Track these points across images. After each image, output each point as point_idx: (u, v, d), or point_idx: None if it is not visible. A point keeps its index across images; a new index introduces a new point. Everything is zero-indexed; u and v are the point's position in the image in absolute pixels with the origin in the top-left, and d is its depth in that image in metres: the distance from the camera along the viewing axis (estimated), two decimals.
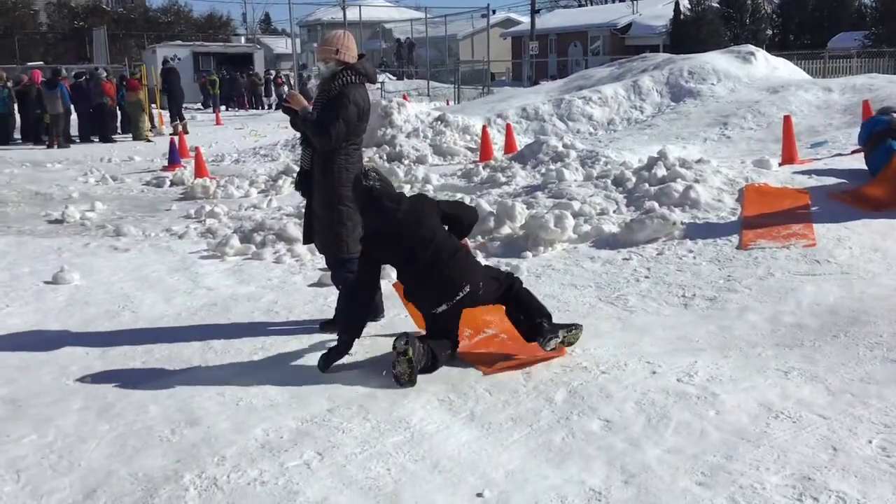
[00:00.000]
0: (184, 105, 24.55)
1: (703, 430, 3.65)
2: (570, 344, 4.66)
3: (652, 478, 3.28)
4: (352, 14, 40.05)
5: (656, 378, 4.25)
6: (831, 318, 4.99)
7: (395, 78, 40.13)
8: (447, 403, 4.12)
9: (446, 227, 4.70)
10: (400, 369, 4.33)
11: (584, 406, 3.98)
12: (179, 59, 33.26)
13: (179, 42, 42.84)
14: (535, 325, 4.58)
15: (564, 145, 10.71)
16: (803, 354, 4.45)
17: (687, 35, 38.57)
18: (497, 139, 13.27)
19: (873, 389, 3.92)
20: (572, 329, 4.66)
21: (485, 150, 12.20)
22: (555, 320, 4.72)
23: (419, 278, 4.58)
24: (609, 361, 4.53)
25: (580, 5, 64.55)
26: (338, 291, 5.39)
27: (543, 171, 9.89)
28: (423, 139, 13.36)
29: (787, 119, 9.90)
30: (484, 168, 10.93)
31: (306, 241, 5.60)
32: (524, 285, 4.82)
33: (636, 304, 5.62)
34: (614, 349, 4.73)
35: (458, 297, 4.50)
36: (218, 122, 26.17)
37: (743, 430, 3.61)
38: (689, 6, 41.24)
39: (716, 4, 43.09)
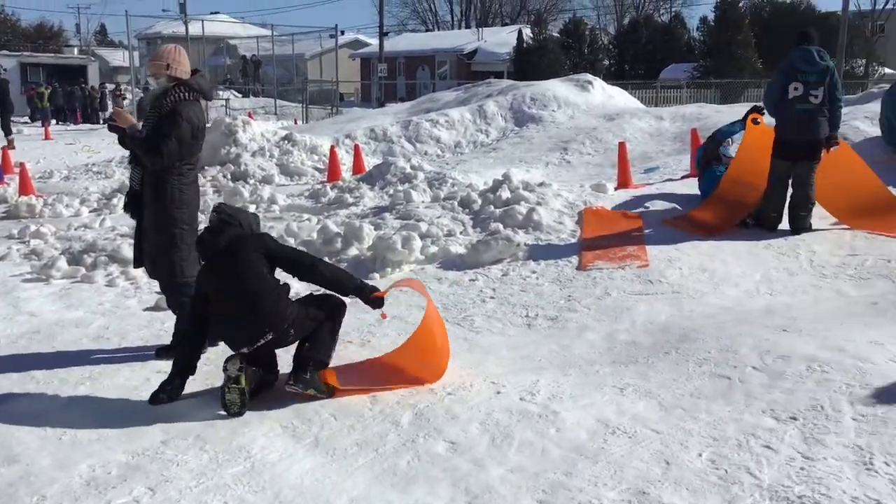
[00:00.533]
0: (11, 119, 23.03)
1: (544, 447, 3.71)
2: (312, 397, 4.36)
3: (495, 497, 3.29)
4: (194, 28, 38.87)
5: (500, 398, 4.30)
6: (663, 336, 5.22)
7: (240, 95, 39.26)
8: (290, 430, 4.00)
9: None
10: (230, 398, 4.15)
11: (430, 428, 3.97)
12: (6, 69, 31.24)
13: (6, 52, 40.25)
14: (301, 363, 4.37)
15: (412, 167, 10.78)
16: (638, 371, 4.63)
17: (530, 63, 39.97)
18: (345, 160, 13.19)
19: (702, 404, 4.12)
20: (320, 394, 4.35)
21: (333, 170, 12.09)
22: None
23: (220, 315, 4.39)
24: (455, 382, 4.54)
25: (428, 30, 65.69)
26: (175, 316, 5.15)
27: (391, 192, 9.91)
28: (270, 158, 13.09)
29: (621, 145, 10.38)
30: (332, 188, 10.82)
31: (136, 264, 5.33)
32: (340, 318, 4.63)
33: (482, 325, 5.68)
34: (460, 370, 4.75)
35: (258, 344, 4.31)
36: (47, 137, 24.68)
37: (582, 447, 3.70)
38: (531, 35, 42.78)
39: (556, 34, 44.95)
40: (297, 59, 43.73)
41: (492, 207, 8.28)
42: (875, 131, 9.94)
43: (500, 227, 7.60)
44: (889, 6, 51.31)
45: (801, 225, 7.39)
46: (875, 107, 10.13)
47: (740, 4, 40.67)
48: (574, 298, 6.09)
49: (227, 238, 4.39)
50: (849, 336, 4.84)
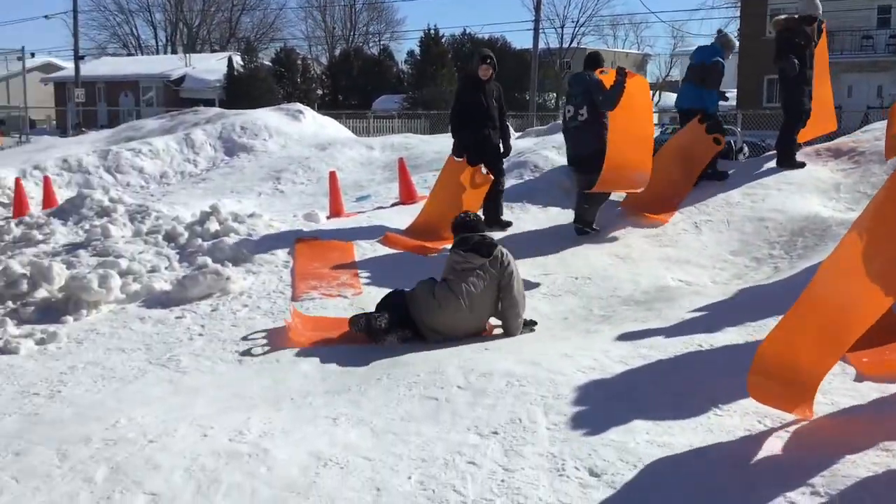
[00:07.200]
0: None
1: (253, 489, 3.57)
2: None
3: None
4: None
5: (208, 441, 4.08)
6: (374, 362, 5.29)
7: None
8: None
9: None
10: None
11: (129, 482, 3.66)
12: None
13: None
14: None
15: (111, 199, 10.06)
16: (350, 399, 4.61)
17: (241, 91, 39.35)
18: (34, 193, 12.04)
19: (412, 427, 4.18)
20: None
21: (18, 205, 10.99)
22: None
23: None
24: (158, 429, 4.24)
25: (129, 54, 62.38)
26: None
27: (87, 227, 9.17)
28: None
29: (332, 175, 10.46)
30: (17, 225, 9.81)
31: None
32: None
33: (189, 364, 5.41)
34: (164, 414, 4.46)
35: None
36: None
37: (293, 484, 3.60)
38: (241, 63, 42.15)
39: (268, 63, 44.72)
40: None
41: (199, 240, 7.96)
42: (562, 160, 10.83)
43: (209, 260, 7.30)
44: (574, 44, 57.02)
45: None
46: (562, 137, 10.98)
47: (443, 40, 43.07)
48: None
49: None
50: (542, 350, 5.19)
